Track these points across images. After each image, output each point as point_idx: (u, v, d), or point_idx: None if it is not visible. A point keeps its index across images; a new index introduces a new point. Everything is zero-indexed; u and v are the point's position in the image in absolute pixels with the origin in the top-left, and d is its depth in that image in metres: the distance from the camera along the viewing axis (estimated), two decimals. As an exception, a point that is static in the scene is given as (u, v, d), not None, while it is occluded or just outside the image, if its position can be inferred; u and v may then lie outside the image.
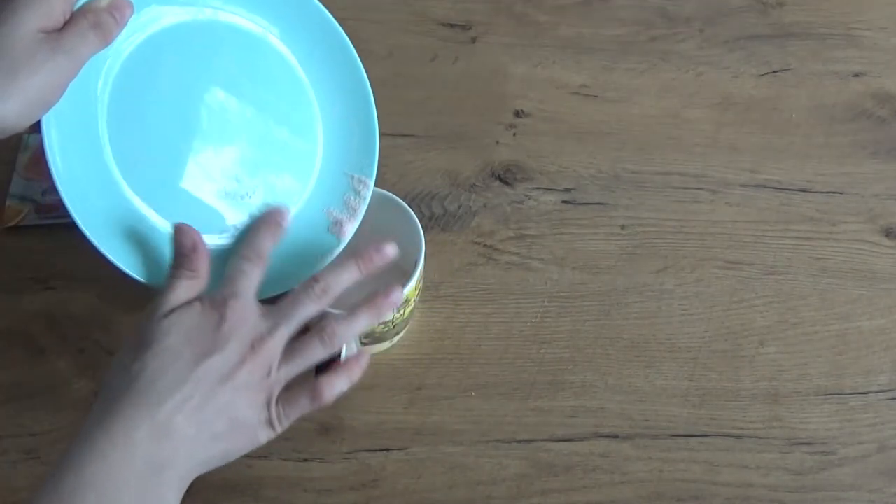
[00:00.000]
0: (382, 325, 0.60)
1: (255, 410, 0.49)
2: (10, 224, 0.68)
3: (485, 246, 0.69)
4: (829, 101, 0.79)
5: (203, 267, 0.52)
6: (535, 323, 0.66)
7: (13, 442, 0.60)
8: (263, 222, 0.55)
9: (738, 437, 0.62)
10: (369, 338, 0.61)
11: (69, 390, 0.62)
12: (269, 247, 0.54)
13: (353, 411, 0.62)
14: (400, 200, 0.62)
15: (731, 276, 0.69)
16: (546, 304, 0.67)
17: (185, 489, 0.47)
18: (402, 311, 0.60)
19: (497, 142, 0.75)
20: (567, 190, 0.73)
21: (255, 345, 0.49)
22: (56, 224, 0.68)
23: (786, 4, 0.85)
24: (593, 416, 0.63)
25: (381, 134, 0.74)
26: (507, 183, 0.73)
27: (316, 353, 0.51)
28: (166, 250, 0.53)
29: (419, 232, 0.60)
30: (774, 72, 0.81)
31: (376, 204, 0.61)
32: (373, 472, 0.60)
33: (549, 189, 0.73)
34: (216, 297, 0.50)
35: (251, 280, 0.51)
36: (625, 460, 0.61)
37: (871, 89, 0.80)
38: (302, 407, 0.51)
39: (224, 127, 0.55)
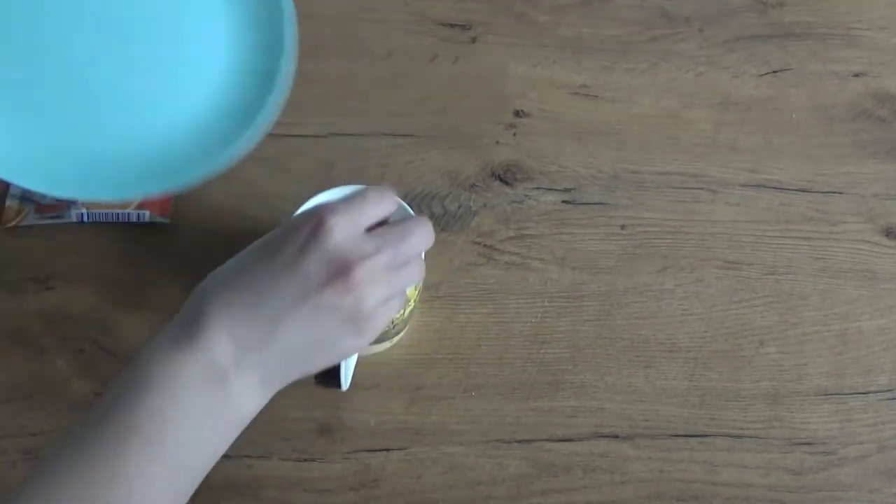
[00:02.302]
0: None
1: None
2: (10, 224, 0.68)
3: (485, 246, 0.70)
4: (829, 101, 0.79)
5: None
6: (535, 323, 0.66)
7: (13, 442, 0.60)
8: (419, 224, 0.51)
9: (738, 437, 0.62)
10: None
11: (69, 390, 0.62)
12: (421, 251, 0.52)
13: (353, 411, 0.62)
14: (400, 200, 0.62)
15: (731, 276, 0.69)
16: (546, 304, 0.67)
17: (265, 398, 0.46)
18: (402, 312, 0.60)
19: (497, 142, 0.75)
20: (567, 190, 0.73)
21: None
22: (56, 224, 0.68)
23: (786, 4, 0.85)
24: (593, 416, 0.63)
25: (381, 134, 0.75)
26: (507, 183, 0.73)
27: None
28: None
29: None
30: (774, 72, 0.81)
31: None
32: (373, 472, 0.60)
33: (549, 189, 0.73)
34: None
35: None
36: (625, 460, 0.61)
37: (871, 89, 0.80)
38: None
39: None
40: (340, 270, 0.46)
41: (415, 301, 0.61)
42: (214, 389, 0.44)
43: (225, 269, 0.48)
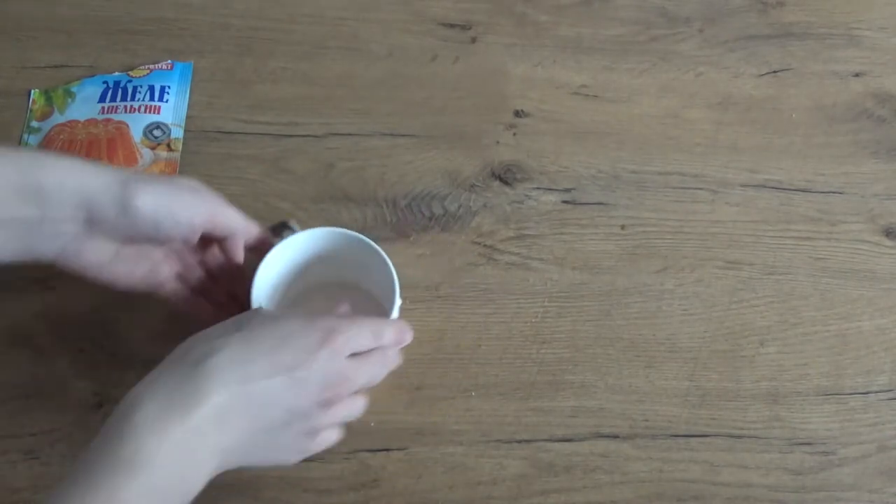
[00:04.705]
0: None
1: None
2: (10, 224, 0.68)
3: (485, 246, 0.70)
4: (829, 101, 0.79)
5: None
6: (535, 323, 0.66)
7: (13, 442, 0.60)
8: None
9: (738, 437, 0.62)
10: None
11: (69, 390, 0.62)
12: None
13: (353, 411, 0.62)
14: (375, 245, 0.60)
15: (731, 276, 0.69)
16: (546, 304, 0.67)
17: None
18: None
19: (497, 142, 0.75)
20: (567, 190, 0.73)
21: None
22: (56, 224, 0.68)
23: (786, 4, 0.85)
24: (593, 416, 0.63)
25: (381, 134, 0.75)
26: (507, 183, 0.73)
27: None
28: None
29: (392, 277, 0.58)
30: (774, 72, 0.81)
31: (352, 248, 0.60)
32: (373, 472, 0.60)
33: (549, 189, 0.73)
34: None
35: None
36: (625, 460, 0.61)
37: (871, 89, 0.80)
38: None
39: None
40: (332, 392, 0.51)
41: None
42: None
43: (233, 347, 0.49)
